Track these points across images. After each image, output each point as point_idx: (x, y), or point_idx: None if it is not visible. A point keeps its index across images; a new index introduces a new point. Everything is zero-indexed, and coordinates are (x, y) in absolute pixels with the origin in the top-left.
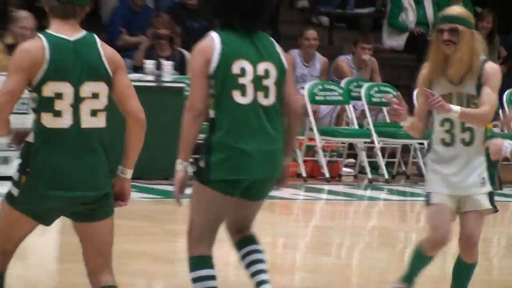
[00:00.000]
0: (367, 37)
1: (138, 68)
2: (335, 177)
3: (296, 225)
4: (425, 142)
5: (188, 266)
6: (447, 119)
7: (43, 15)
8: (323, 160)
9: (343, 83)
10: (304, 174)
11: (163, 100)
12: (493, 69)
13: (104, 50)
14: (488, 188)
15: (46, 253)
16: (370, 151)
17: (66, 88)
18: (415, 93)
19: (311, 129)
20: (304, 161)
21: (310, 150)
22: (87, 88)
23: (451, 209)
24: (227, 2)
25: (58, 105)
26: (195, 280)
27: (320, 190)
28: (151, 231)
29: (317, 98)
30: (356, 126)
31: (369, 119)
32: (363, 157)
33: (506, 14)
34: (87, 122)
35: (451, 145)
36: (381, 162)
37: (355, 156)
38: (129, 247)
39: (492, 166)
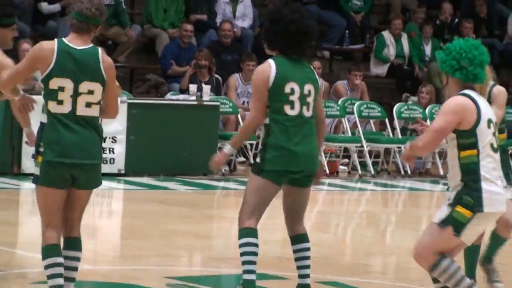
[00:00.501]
0: (358, 66)
1: (184, 91)
2: (333, 173)
3: (311, 207)
4: (402, 146)
5: (238, 235)
6: None
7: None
8: (324, 160)
9: (340, 101)
10: (327, 171)
11: (203, 115)
12: (499, 90)
13: (103, 60)
14: None
15: (112, 232)
16: (360, 153)
17: (67, 84)
18: (394, 110)
19: None
20: (328, 162)
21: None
22: (85, 86)
23: None
24: (284, 34)
25: (61, 96)
26: (243, 245)
27: (322, 183)
28: (192, 214)
29: None
30: (350, 134)
31: (360, 129)
32: (354, 157)
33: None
34: (82, 111)
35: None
36: (369, 161)
37: (348, 157)
38: (176, 227)
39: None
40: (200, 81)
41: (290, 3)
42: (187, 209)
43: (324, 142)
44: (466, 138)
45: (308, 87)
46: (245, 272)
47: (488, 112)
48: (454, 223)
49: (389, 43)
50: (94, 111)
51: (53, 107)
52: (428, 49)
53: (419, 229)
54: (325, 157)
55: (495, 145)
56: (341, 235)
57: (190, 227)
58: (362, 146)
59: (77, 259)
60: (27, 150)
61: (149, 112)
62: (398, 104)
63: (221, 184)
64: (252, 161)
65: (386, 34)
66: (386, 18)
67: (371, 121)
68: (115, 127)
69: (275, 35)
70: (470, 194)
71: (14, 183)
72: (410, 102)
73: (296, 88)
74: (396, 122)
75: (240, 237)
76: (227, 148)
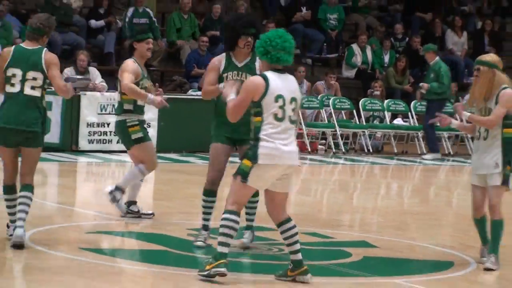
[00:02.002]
0: (333, 70)
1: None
2: (314, 151)
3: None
4: (366, 130)
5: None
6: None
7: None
8: (307, 141)
9: (319, 97)
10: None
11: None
12: (505, 93)
13: (45, 56)
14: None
15: (147, 195)
16: (334, 136)
17: (18, 72)
18: (360, 103)
19: (300, 123)
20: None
21: (300, 136)
22: (30, 74)
23: None
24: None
25: (13, 80)
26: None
27: (305, 159)
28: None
29: (304, 105)
30: (326, 121)
31: (334, 118)
32: (330, 139)
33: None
34: (28, 92)
35: (478, 139)
36: (340, 142)
37: (325, 138)
38: (195, 191)
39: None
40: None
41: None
42: (203, 177)
43: (307, 127)
44: (254, 107)
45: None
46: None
47: (282, 89)
48: (241, 173)
49: (357, 53)
50: (37, 93)
51: (8, 88)
52: (386, 58)
53: (379, 193)
54: (308, 139)
55: (279, 115)
56: (319, 197)
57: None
58: (335, 130)
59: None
60: (83, 131)
61: (175, 104)
62: (363, 99)
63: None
64: None
65: (354, 46)
66: (354, 34)
67: (343, 112)
68: (149, 116)
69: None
70: (251, 149)
71: (73, 158)
72: (374, 94)
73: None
74: (361, 112)
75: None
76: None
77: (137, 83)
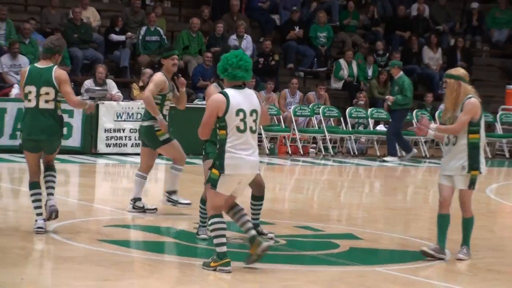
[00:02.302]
0: (323, 82)
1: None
2: (306, 153)
3: (286, 178)
4: (352, 135)
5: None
6: None
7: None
8: (299, 144)
9: (310, 106)
10: (290, 152)
11: None
12: (469, 102)
13: (55, 73)
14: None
15: (158, 192)
16: (324, 140)
17: (33, 89)
18: (347, 112)
19: (294, 129)
20: (290, 146)
21: (293, 140)
22: (43, 89)
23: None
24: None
25: (29, 96)
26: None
27: (298, 160)
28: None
29: (297, 113)
30: (317, 127)
31: (323, 124)
32: (320, 143)
33: None
34: (42, 105)
35: (447, 145)
36: (329, 146)
37: (316, 143)
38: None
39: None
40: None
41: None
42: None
43: (299, 133)
44: (219, 122)
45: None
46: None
47: (242, 103)
48: (211, 181)
49: (344, 67)
50: (50, 106)
51: (26, 103)
52: (370, 71)
53: (363, 191)
54: (300, 143)
55: (241, 128)
56: (311, 195)
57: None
58: (325, 135)
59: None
60: (101, 136)
61: (183, 112)
62: (349, 107)
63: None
64: None
65: (342, 61)
66: (342, 50)
67: (331, 119)
68: None
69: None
70: (218, 160)
71: (92, 160)
72: (359, 103)
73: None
74: (348, 119)
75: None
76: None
77: (164, 95)
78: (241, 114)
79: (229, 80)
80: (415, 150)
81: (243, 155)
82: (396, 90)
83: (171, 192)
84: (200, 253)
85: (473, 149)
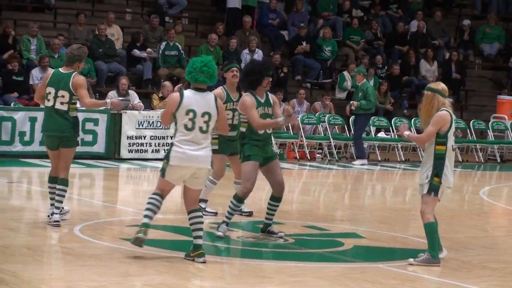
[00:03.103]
0: (328, 93)
1: None
2: (313, 158)
3: (294, 181)
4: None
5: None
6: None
7: (177, 82)
8: (307, 150)
9: (316, 114)
10: (298, 157)
11: None
12: (438, 115)
13: (73, 79)
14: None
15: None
16: (329, 146)
17: (52, 90)
18: (350, 120)
19: (301, 136)
20: (298, 151)
21: (301, 146)
22: (60, 92)
23: None
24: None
25: (49, 96)
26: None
27: (305, 165)
28: (221, 182)
29: (305, 121)
30: (323, 134)
31: (329, 131)
32: (325, 149)
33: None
34: (58, 106)
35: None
36: (334, 151)
37: (322, 148)
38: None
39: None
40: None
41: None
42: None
43: (306, 139)
44: (173, 118)
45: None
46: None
47: (194, 104)
48: (161, 170)
49: (347, 78)
50: (65, 107)
51: (46, 103)
52: (371, 83)
53: (366, 193)
54: (307, 149)
55: (189, 126)
56: (317, 197)
57: (224, 192)
58: (330, 142)
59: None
60: (124, 143)
61: None
62: (352, 116)
63: None
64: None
65: (345, 73)
66: (345, 63)
67: (336, 126)
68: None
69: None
70: (167, 152)
71: (115, 164)
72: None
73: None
74: (351, 127)
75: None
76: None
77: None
78: (191, 114)
79: (192, 82)
80: (366, 161)
81: (186, 150)
82: (360, 96)
83: (201, 200)
84: (214, 251)
85: (438, 159)
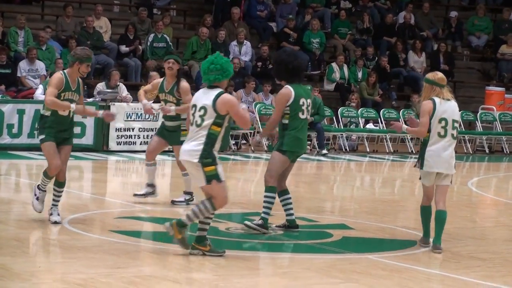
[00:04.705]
0: (316, 85)
1: None
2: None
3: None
4: (344, 133)
5: (265, 190)
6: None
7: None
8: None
9: None
10: None
11: None
12: (421, 104)
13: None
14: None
15: (165, 187)
16: (317, 137)
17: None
18: (339, 111)
19: None
20: None
21: None
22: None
23: None
24: (292, 71)
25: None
26: (267, 196)
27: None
28: None
29: None
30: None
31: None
32: (314, 140)
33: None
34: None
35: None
36: (323, 143)
37: (311, 140)
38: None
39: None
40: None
41: (287, 49)
42: None
43: None
44: None
45: (308, 100)
46: (264, 213)
47: (196, 100)
48: None
49: (336, 70)
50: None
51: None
52: (360, 74)
53: (354, 184)
54: None
55: (191, 121)
56: (306, 188)
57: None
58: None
59: None
60: (112, 135)
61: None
62: (341, 107)
63: (231, 157)
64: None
65: (334, 64)
66: (333, 55)
67: (324, 118)
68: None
69: (280, 72)
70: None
71: (104, 156)
72: (351, 105)
73: (305, 101)
74: (340, 118)
75: (266, 191)
76: (258, 135)
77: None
78: (193, 109)
79: (208, 83)
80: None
81: (184, 145)
82: (313, 112)
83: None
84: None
85: (422, 146)
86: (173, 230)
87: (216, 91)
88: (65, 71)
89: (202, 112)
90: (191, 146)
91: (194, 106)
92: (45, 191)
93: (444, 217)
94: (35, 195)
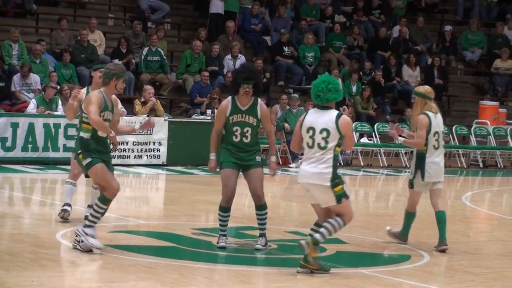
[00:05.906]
0: (310, 99)
1: (203, 113)
2: (287, 164)
3: (276, 186)
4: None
5: (265, 206)
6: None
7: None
8: (289, 156)
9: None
10: (280, 163)
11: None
12: (418, 118)
13: (113, 97)
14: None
15: (158, 200)
16: None
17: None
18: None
19: (284, 141)
20: (281, 157)
21: (283, 152)
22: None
23: None
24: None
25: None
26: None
27: (288, 170)
28: (208, 189)
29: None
30: None
31: None
32: None
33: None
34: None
35: None
36: None
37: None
38: (197, 197)
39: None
40: (213, 107)
41: (245, 64)
42: (205, 186)
43: (284, 142)
44: None
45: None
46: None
47: (317, 122)
48: None
49: None
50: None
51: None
52: (354, 88)
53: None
54: (290, 154)
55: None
56: (300, 202)
57: (206, 198)
58: None
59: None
60: None
61: (182, 126)
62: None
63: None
64: None
65: None
66: (328, 69)
67: None
68: (160, 136)
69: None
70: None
71: None
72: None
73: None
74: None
75: (266, 207)
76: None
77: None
78: (310, 132)
79: (323, 103)
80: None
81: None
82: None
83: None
84: (199, 257)
85: (419, 158)
86: (309, 248)
87: (335, 112)
88: (101, 89)
89: (324, 134)
90: (320, 169)
91: (312, 128)
92: (96, 223)
93: (445, 217)
94: (86, 234)
